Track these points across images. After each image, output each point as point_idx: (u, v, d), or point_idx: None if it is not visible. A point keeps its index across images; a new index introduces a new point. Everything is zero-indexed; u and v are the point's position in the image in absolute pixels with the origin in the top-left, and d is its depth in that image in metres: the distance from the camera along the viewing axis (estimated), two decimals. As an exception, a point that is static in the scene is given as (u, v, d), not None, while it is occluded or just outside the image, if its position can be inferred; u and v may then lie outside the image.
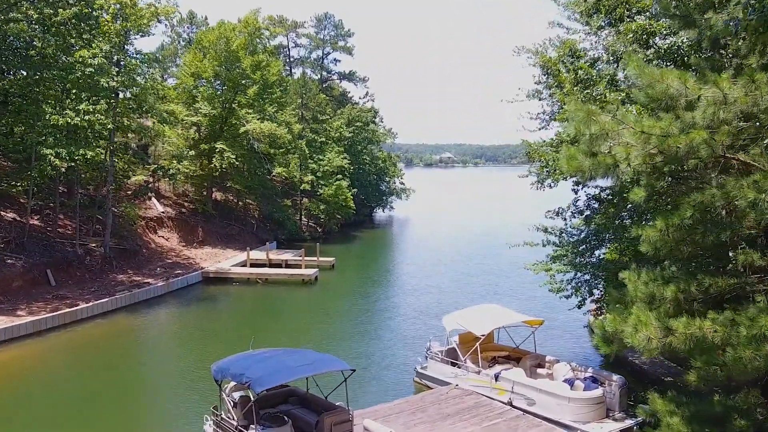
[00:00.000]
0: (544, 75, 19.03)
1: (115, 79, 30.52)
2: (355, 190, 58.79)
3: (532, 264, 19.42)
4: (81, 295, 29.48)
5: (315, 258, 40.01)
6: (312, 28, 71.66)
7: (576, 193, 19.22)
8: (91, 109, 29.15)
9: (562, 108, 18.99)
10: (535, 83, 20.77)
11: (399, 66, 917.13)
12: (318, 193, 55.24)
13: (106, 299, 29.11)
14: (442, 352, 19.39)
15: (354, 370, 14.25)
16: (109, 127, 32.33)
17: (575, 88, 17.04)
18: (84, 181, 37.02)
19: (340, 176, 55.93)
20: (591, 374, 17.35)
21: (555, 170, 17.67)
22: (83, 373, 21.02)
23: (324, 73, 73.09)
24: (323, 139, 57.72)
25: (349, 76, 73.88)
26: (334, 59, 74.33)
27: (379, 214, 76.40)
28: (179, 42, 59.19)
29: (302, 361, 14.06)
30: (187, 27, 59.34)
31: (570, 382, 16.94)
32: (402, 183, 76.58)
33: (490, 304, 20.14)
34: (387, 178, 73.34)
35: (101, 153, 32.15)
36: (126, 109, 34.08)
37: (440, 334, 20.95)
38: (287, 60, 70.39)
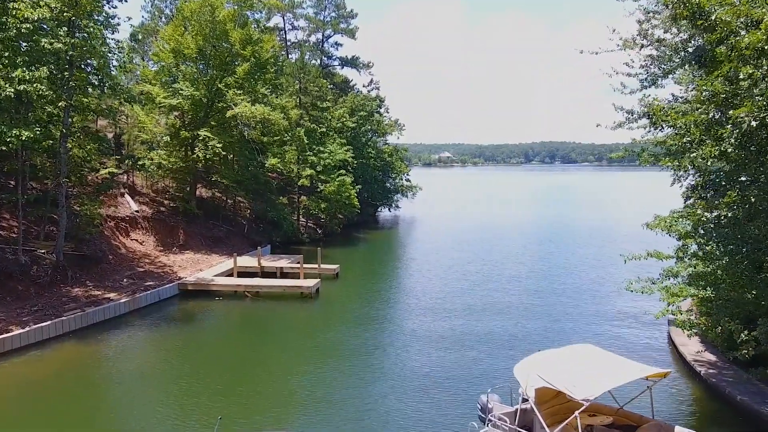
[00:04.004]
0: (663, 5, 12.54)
1: (63, 40, 23.95)
2: (359, 186, 52.14)
3: (647, 281, 12.73)
4: (18, 317, 23.00)
5: (315, 265, 33.59)
6: (311, 9, 65.28)
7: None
8: (28, 77, 22.60)
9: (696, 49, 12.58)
10: (638, 22, 14.39)
11: (396, 65, 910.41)
12: (318, 190, 48.63)
13: (49, 323, 22.64)
14: (510, 416, 12.95)
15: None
16: (60, 104, 25.97)
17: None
18: (41, 173, 30.34)
19: (343, 171, 49.26)
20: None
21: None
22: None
23: (324, 59, 66.42)
24: (323, 130, 50.96)
25: (352, 62, 67.18)
26: (336, 43, 67.88)
27: (384, 213, 69.96)
28: (161, 19, 52.60)
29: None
30: (170, 2, 52.77)
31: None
32: (408, 180, 70.10)
33: (586, 346, 13.40)
34: (393, 175, 66.74)
35: (44, 135, 25.42)
36: (84, 83, 27.59)
37: (500, 385, 14.49)
38: (284, 44, 63.80)
